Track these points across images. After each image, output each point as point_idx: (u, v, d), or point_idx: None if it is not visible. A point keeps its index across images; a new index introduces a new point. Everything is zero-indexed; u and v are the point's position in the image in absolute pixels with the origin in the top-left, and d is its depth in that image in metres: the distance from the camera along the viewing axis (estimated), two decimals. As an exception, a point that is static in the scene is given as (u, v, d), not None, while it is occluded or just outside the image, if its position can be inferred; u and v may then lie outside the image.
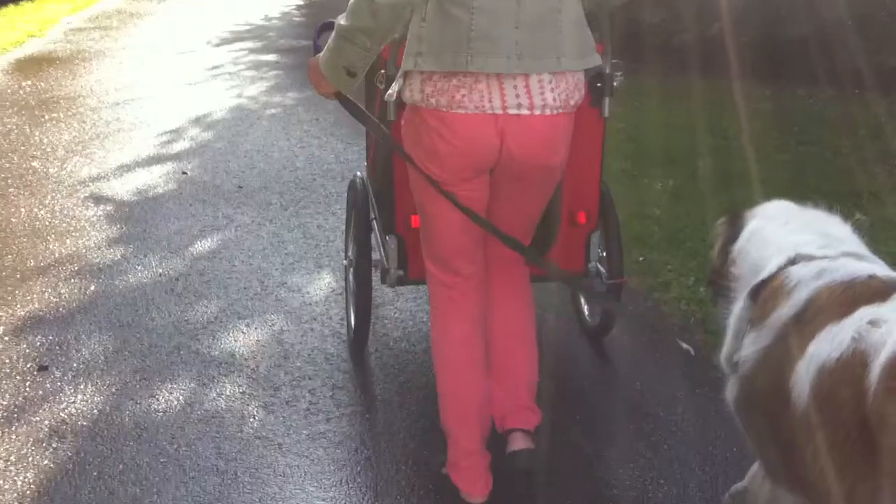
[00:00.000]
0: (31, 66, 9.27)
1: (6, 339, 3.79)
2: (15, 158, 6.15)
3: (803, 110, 6.99)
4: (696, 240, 4.62)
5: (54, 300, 4.15)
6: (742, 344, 2.11)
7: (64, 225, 5.01)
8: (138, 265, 4.52)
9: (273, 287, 4.29)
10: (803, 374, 1.85)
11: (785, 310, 2.01)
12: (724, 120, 6.71)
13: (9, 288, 4.25)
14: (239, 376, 3.52)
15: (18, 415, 3.26)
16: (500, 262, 2.82)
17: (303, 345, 3.77)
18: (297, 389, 3.44)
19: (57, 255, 4.63)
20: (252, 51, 10.26)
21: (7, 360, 3.62)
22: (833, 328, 1.84)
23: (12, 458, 3.00)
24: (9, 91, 8.11)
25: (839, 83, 7.21)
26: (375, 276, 3.49)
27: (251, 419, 3.24)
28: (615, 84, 3.22)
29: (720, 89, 7.44)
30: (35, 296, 4.18)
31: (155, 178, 5.81)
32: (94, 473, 2.93)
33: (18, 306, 4.08)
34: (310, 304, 4.14)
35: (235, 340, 3.79)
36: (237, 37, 11.22)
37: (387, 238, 3.31)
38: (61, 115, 7.27)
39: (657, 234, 4.78)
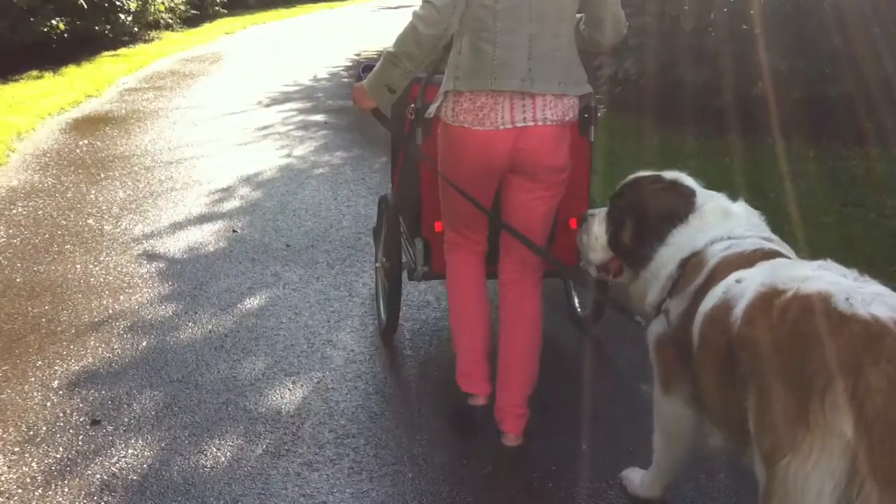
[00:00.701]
0: (88, 125, 9.58)
1: (61, 392, 3.90)
2: (72, 216, 6.35)
3: (847, 170, 6.98)
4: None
5: (107, 355, 4.26)
6: (671, 300, 2.79)
7: (118, 282, 5.16)
8: (189, 322, 4.64)
9: (319, 345, 4.37)
10: (696, 324, 2.56)
11: (699, 278, 2.68)
12: (766, 180, 6.72)
13: (64, 343, 4.38)
14: (285, 433, 3.58)
15: (71, 468, 3.35)
16: (516, 269, 3.52)
17: (347, 402, 3.83)
18: (341, 447, 3.49)
19: (110, 311, 4.76)
20: (301, 111, 10.50)
21: (61, 414, 3.72)
22: (716, 287, 2.53)
23: (65, 510, 3.08)
24: (66, 150, 8.38)
25: (884, 142, 7.20)
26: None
27: (296, 476, 3.29)
28: (597, 115, 3.94)
29: (763, 149, 7.47)
30: (89, 351, 4.30)
31: (206, 235, 5.96)
32: (144, 528, 3.00)
33: (73, 361, 4.20)
34: (354, 361, 4.21)
35: (282, 397, 3.86)
36: (286, 97, 11.49)
37: (414, 241, 4.05)
38: (116, 174, 7.49)
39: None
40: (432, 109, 3.37)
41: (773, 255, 2.64)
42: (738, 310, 2.35)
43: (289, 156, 8.24)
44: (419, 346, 4.37)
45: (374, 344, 4.40)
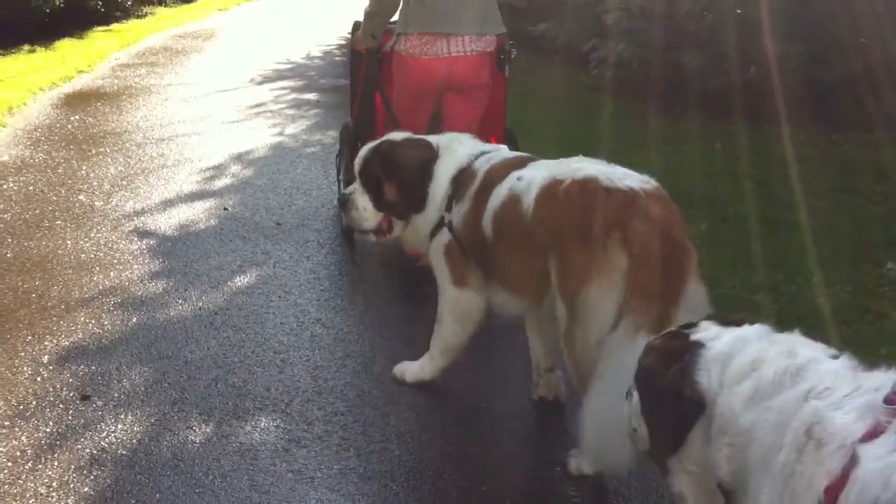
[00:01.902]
0: (80, 100, 9.54)
1: (51, 368, 3.92)
2: (62, 192, 6.34)
3: (839, 155, 7.01)
4: (728, 284, 4.66)
5: (97, 331, 4.28)
6: (449, 213, 3.51)
7: (108, 258, 5.16)
8: (179, 299, 4.65)
9: (308, 323, 4.39)
10: (487, 220, 3.29)
11: (474, 186, 3.41)
12: (759, 164, 6.75)
13: (54, 318, 4.40)
14: (274, 410, 3.61)
15: (61, 442, 3.37)
16: None
17: (336, 380, 3.86)
18: (329, 425, 3.52)
19: (101, 287, 4.78)
20: (293, 89, 10.47)
21: (51, 389, 3.74)
22: (498, 186, 3.28)
23: (54, 484, 3.11)
24: (58, 125, 8.36)
25: (874, 128, 7.21)
26: None
27: (284, 453, 3.33)
28: (511, 56, 4.92)
29: (757, 133, 7.49)
30: (79, 327, 4.32)
31: (197, 213, 5.96)
32: (133, 502, 3.04)
33: (63, 336, 4.22)
34: (343, 340, 4.24)
35: (270, 375, 3.89)
36: (279, 75, 11.46)
37: None
38: (108, 150, 7.48)
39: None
40: (387, 46, 4.74)
41: (529, 158, 3.46)
42: (530, 198, 3.12)
43: (280, 134, 8.23)
44: (408, 326, 4.39)
45: (362, 323, 4.43)
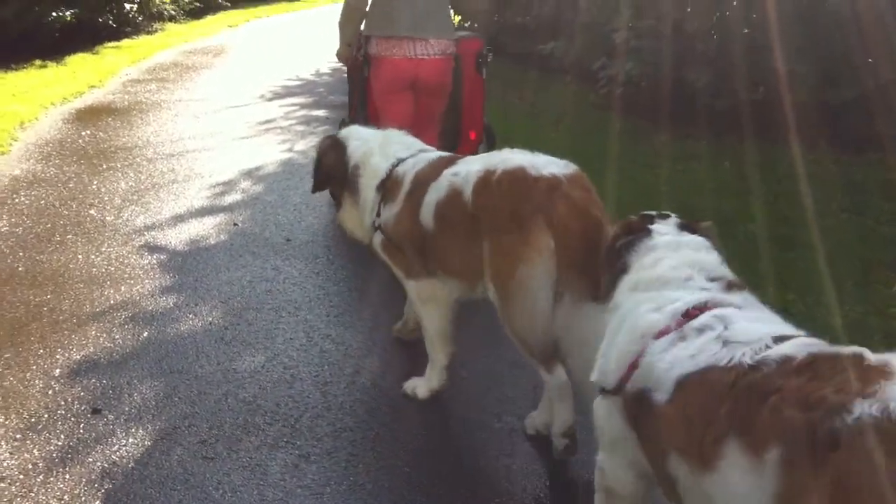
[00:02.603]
0: (91, 115, 9.62)
1: (62, 381, 3.94)
2: (74, 206, 6.39)
3: (848, 175, 7.01)
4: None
5: (108, 345, 4.30)
6: (379, 215, 3.84)
7: (119, 272, 5.20)
8: (189, 313, 4.68)
9: (318, 339, 4.41)
10: (427, 214, 3.59)
11: (404, 189, 3.75)
12: (768, 183, 6.76)
13: (65, 332, 4.42)
14: (283, 425, 3.62)
15: (72, 456, 3.39)
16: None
17: (345, 396, 3.87)
18: (338, 440, 3.53)
19: (112, 301, 4.80)
20: (303, 106, 10.54)
21: (62, 402, 3.76)
22: (434, 184, 3.58)
23: (66, 497, 3.13)
24: (69, 140, 8.42)
25: (883, 147, 7.21)
26: None
27: (293, 468, 3.34)
28: (488, 59, 5.99)
29: (766, 152, 7.51)
30: (90, 340, 4.34)
31: (207, 228, 6.00)
32: (143, 515, 3.05)
33: (74, 350, 4.24)
34: (353, 356, 4.25)
35: (280, 390, 3.90)
36: (289, 92, 11.53)
37: None
38: (118, 165, 7.53)
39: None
40: (369, 49, 5.28)
41: (455, 158, 3.79)
42: (468, 190, 3.40)
43: (290, 150, 8.28)
44: (416, 343, 4.40)
45: (372, 339, 4.44)
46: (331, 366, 4.15)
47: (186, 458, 3.39)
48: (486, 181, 3.38)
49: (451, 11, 5.50)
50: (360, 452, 3.45)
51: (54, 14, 13.50)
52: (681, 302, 2.32)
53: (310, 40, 16.36)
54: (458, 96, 5.84)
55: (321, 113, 10.05)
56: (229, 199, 6.72)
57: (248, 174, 7.38)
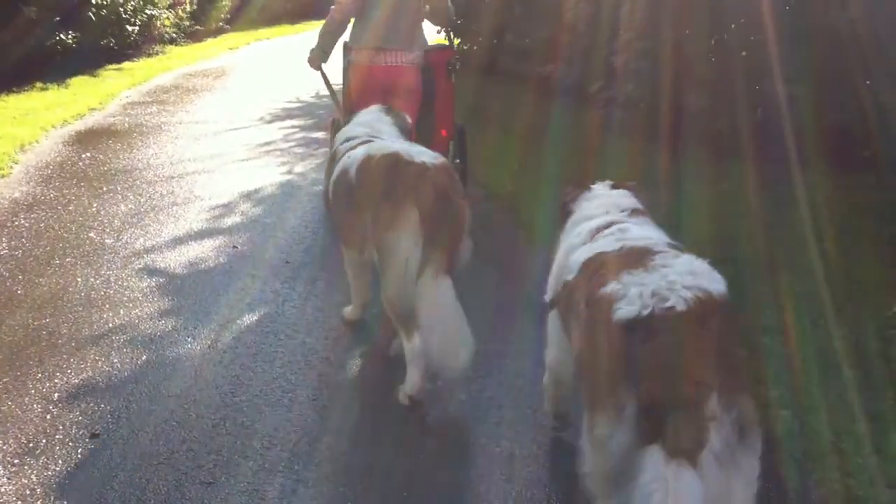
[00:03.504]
0: (91, 138, 9.64)
1: (60, 405, 3.94)
2: (73, 229, 6.40)
3: (845, 197, 7.01)
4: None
5: (107, 369, 4.30)
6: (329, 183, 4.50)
7: (118, 295, 5.20)
8: (188, 337, 4.67)
9: (316, 362, 4.41)
10: (330, 190, 4.46)
11: (337, 166, 4.36)
12: (766, 205, 6.76)
13: (64, 355, 4.42)
14: (281, 450, 3.61)
15: (70, 480, 3.38)
16: None
17: (344, 420, 3.87)
18: (337, 465, 3.53)
19: (111, 324, 4.80)
20: (302, 128, 10.58)
21: (61, 427, 3.76)
22: (337, 164, 4.35)
23: (63, 523, 3.11)
24: (69, 162, 8.44)
25: (881, 170, 7.21)
26: None
27: (291, 493, 3.33)
28: (457, 67, 6.75)
29: (764, 174, 7.50)
30: (89, 364, 4.34)
31: (206, 251, 6.00)
32: (140, 541, 3.03)
33: (73, 374, 4.24)
34: (351, 379, 4.25)
35: (279, 414, 3.90)
36: (288, 114, 11.57)
37: None
38: (118, 188, 7.55)
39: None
40: (350, 57, 6.11)
41: (367, 141, 4.36)
42: (353, 170, 4.11)
43: (290, 172, 8.30)
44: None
45: (371, 363, 4.44)
46: (329, 389, 4.14)
47: (184, 483, 3.38)
48: (368, 164, 4.05)
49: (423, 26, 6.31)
50: (357, 477, 3.44)
51: (56, 37, 13.58)
52: (595, 222, 3.24)
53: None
54: (432, 99, 6.55)
55: (320, 135, 10.07)
56: (228, 221, 6.73)
57: (248, 196, 7.40)
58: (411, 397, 3.96)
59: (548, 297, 3.37)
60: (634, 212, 3.32)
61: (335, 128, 6.31)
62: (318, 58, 6.09)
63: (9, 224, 6.48)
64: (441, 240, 3.80)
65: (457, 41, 16.34)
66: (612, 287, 2.61)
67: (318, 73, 6.29)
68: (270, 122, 11.02)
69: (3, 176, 7.83)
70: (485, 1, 13.65)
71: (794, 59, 7.78)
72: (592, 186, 3.57)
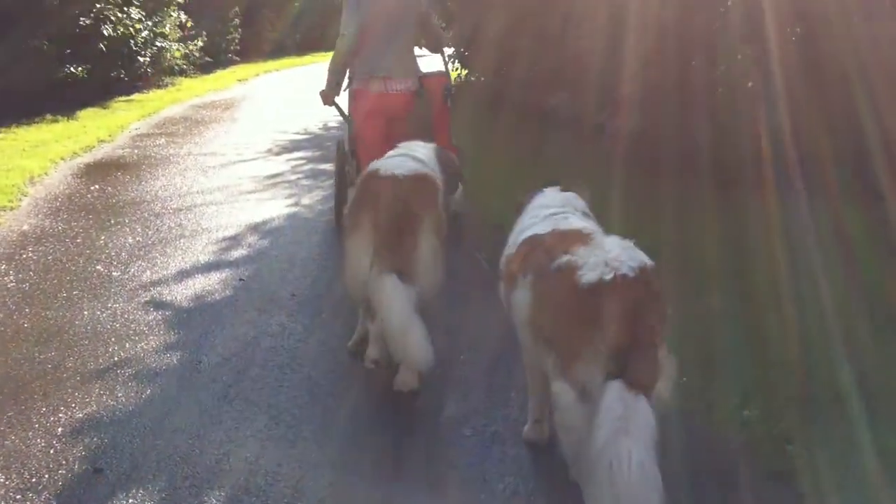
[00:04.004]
0: (100, 170, 9.71)
1: (64, 440, 3.93)
2: (81, 261, 6.42)
3: (851, 227, 6.97)
4: (742, 360, 4.64)
5: (111, 403, 4.30)
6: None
7: (124, 329, 5.20)
8: (193, 371, 4.67)
9: (321, 396, 4.40)
10: None
11: None
12: (772, 235, 6.72)
13: (69, 389, 4.42)
14: (285, 486, 3.59)
15: (72, 517, 3.37)
16: None
17: (348, 456, 3.85)
18: (341, 501, 3.50)
19: (116, 358, 4.81)
20: (310, 160, 10.63)
21: (64, 462, 3.75)
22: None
23: (64, 560, 3.10)
24: (78, 195, 8.50)
25: (886, 199, 7.18)
26: None
27: (295, 530, 3.31)
28: (452, 93, 6.94)
29: (769, 204, 7.48)
30: (93, 398, 4.34)
31: (213, 284, 6.01)
32: (142, 579, 3.01)
33: (77, 408, 4.23)
34: (357, 415, 4.23)
35: (282, 449, 3.88)
36: (296, 146, 11.64)
37: (352, 157, 6.62)
38: (126, 220, 7.59)
39: (699, 354, 4.79)
40: (352, 86, 6.53)
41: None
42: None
43: (297, 205, 8.33)
44: (417, 399, 4.39)
45: (377, 398, 4.43)
46: (334, 425, 4.13)
47: (187, 520, 3.36)
48: (363, 179, 4.60)
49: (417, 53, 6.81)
50: (361, 513, 3.42)
51: (67, 69, 13.72)
52: (546, 212, 3.86)
53: (317, 95, 16.51)
54: (429, 121, 6.77)
55: (328, 167, 10.09)
56: (235, 253, 6.75)
57: (255, 229, 7.43)
58: (374, 361, 4.57)
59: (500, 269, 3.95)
60: (575, 209, 3.96)
61: (341, 150, 7.25)
62: (331, 93, 6.46)
63: (17, 256, 6.51)
64: (390, 243, 4.22)
65: (464, 72, 16.50)
66: (567, 259, 3.27)
67: (332, 107, 6.62)
68: (278, 153, 11.08)
69: (12, 208, 7.88)
70: (490, 33, 13.74)
71: (799, 90, 7.81)
72: (545, 188, 4.19)
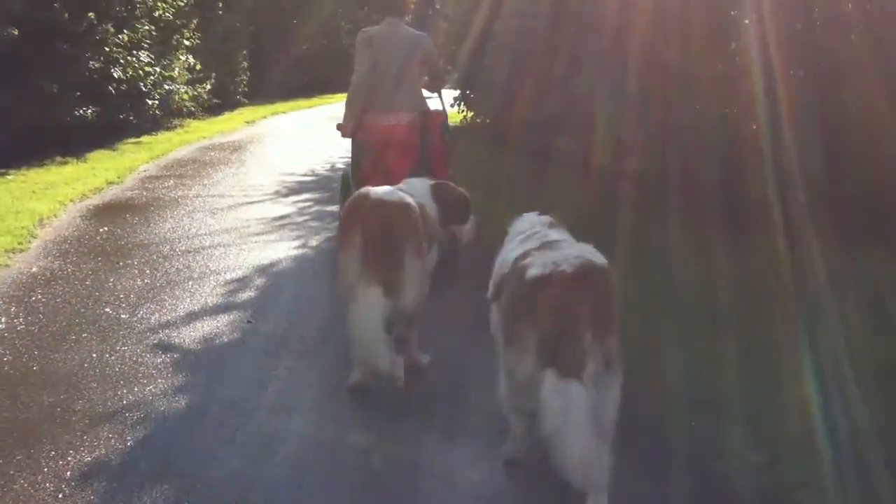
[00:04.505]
0: (109, 212, 9.79)
1: (73, 483, 3.93)
2: (90, 304, 6.45)
3: (862, 272, 6.96)
4: (760, 407, 4.62)
5: (119, 446, 4.30)
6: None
7: (132, 371, 5.22)
8: (201, 414, 4.67)
9: (328, 441, 4.39)
10: None
11: None
12: (782, 279, 6.72)
13: (77, 433, 4.42)
14: (293, 531, 3.58)
15: (80, 563, 3.35)
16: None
17: (355, 501, 3.84)
18: (349, 547, 3.49)
19: (124, 401, 4.81)
20: (317, 202, 10.70)
21: (72, 507, 3.75)
22: None
23: None
24: (87, 237, 8.56)
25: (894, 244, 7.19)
26: None
27: (303, 576, 3.29)
28: (448, 129, 7.53)
29: (778, 248, 7.49)
30: (102, 441, 4.34)
31: (220, 326, 6.03)
32: None
33: (85, 451, 4.23)
34: (364, 461, 4.22)
35: (289, 494, 3.88)
36: (303, 187, 11.72)
37: (353, 185, 6.83)
38: (135, 262, 7.63)
39: (709, 397, 4.79)
40: (364, 116, 7.01)
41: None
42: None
43: (304, 246, 8.38)
44: (422, 439, 4.39)
45: (385, 444, 4.41)
46: (341, 471, 4.12)
47: (195, 566, 3.35)
48: (352, 199, 5.01)
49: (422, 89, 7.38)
50: (370, 560, 3.41)
51: (77, 112, 13.87)
52: (523, 236, 4.23)
53: (324, 136, 16.63)
54: (429, 154, 7.31)
55: (335, 208, 10.14)
56: (243, 296, 6.78)
57: (262, 271, 7.47)
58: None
59: (489, 293, 4.22)
60: (552, 226, 4.38)
61: (345, 181, 7.74)
62: (349, 126, 7.03)
63: (26, 299, 6.55)
64: (375, 262, 4.67)
65: (469, 114, 16.66)
66: (525, 261, 3.75)
67: (349, 138, 7.20)
68: (286, 195, 11.16)
69: (21, 250, 7.94)
70: (494, 75, 13.88)
71: (805, 133, 7.85)
72: (525, 214, 4.64)
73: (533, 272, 3.60)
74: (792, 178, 7.71)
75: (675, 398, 4.75)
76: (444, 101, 7.80)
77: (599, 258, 3.69)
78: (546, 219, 4.49)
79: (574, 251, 3.75)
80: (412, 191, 5.19)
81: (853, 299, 6.26)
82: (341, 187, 7.97)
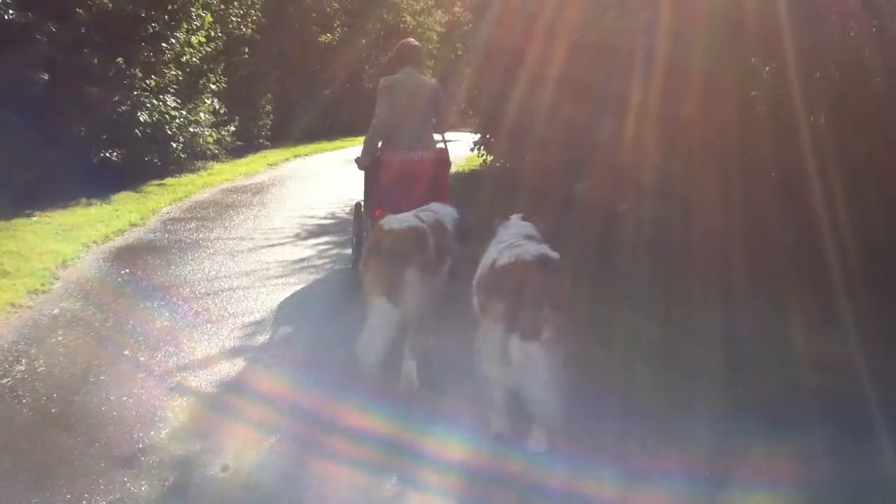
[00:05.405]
0: (131, 254, 9.87)
1: (87, 529, 3.94)
2: (109, 346, 6.50)
3: (887, 322, 6.87)
4: (761, 453, 4.58)
5: (135, 491, 4.32)
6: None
7: (149, 415, 5.24)
8: (217, 458, 4.69)
9: (343, 489, 4.41)
10: None
11: None
12: (802, 329, 6.65)
13: (93, 477, 4.45)
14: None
15: None
16: None
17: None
18: None
19: (141, 445, 4.84)
20: (336, 244, 10.75)
21: (86, 552, 3.76)
22: None
23: None
24: (108, 279, 8.64)
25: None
26: None
27: None
28: (449, 165, 8.36)
29: (798, 297, 7.43)
30: (117, 486, 4.36)
31: (238, 370, 6.06)
32: None
33: (101, 496, 4.26)
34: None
35: (304, 542, 3.87)
36: (323, 230, 11.79)
37: (368, 218, 8.20)
38: (155, 304, 7.69)
39: (725, 447, 4.74)
40: (380, 154, 7.95)
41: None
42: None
43: (322, 290, 8.41)
44: (429, 483, 4.38)
45: (398, 486, 4.41)
46: (355, 516, 4.11)
47: None
48: (373, 231, 6.06)
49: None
50: None
51: (103, 154, 14.07)
52: (504, 244, 5.08)
53: (346, 178, 16.76)
54: (436, 187, 8.07)
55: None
56: (261, 339, 6.81)
57: (281, 314, 7.50)
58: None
59: (474, 283, 5.16)
60: (529, 237, 5.36)
61: (357, 210, 8.82)
62: (365, 161, 8.00)
63: (48, 340, 6.61)
64: (386, 277, 5.53)
65: (488, 158, 16.75)
66: (496, 257, 4.89)
67: (364, 171, 8.19)
68: (305, 238, 11.23)
69: (44, 292, 8.02)
70: (513, 121, 13.97)
71: (827, 180, 7.82)
72: (511, 217, 5.69)
73: (501, 262, 4.78)
74: (819, 225, 7.65)
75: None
76: (445, 141, 8.64)
77: (553, 253, 4.83)
78: (528, 226, 5.53)
79: (533, 248, 4.89)
80: (438, 210, 6.36)
81: (882, 352, 6.14)
82: (354, 214, 9.08)
